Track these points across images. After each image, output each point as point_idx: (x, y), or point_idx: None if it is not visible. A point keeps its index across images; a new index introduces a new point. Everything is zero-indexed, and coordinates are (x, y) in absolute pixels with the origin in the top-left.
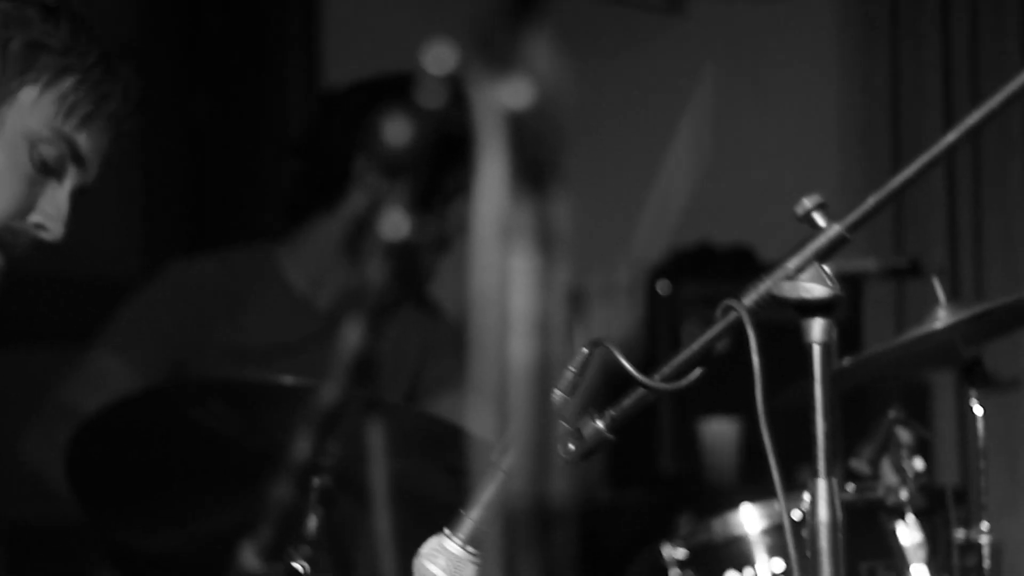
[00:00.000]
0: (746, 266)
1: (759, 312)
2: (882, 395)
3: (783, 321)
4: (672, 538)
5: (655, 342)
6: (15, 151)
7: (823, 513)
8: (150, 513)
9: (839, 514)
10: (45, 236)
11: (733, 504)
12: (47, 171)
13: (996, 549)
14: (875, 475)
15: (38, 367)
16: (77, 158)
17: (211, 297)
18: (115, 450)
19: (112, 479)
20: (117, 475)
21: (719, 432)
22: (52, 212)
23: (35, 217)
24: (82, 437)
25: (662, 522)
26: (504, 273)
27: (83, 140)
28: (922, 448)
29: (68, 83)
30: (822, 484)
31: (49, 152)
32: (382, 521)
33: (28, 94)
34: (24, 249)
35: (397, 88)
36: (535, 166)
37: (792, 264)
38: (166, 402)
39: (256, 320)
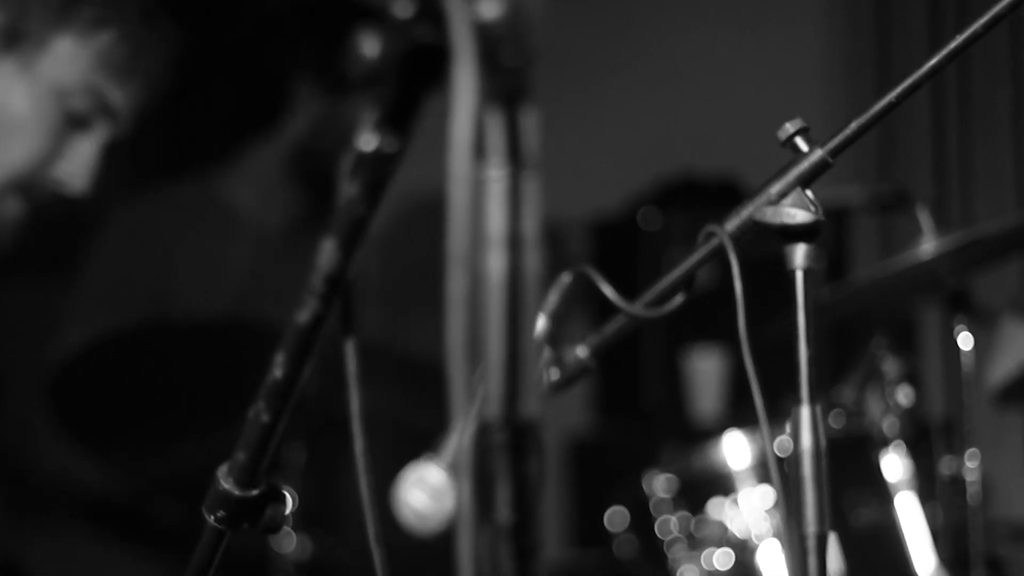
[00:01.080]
0: (731, 196)
1: (742, 239)
2: (868, 328)
3: (769, 255)
4: (656, 467)
5: (638, 273)
6: (45, 101)
7: (806, 440)
8: (135, 443)
9: (822, 441)
10: (69, 188)
11: (718, 433)
12: (76, 124)
13: (983, 481)
14: (860, 406)
15: None
16: (109, 112)
17: (154, 245)
18: (99, 385)
19: (97, 411)
20: (102, 408)
21: (704, 363)
22: (77, 164)
23: (61, 168)
24: (68, 374)
25: (646, 452)
26: (477, 186)
27: (116, 94)
28: (908, 380)
29: (105, 36)
30: (805, 411)
31: (80, 104)
32: (359, 443)
33: (63, 45)
34: (47, 199)
35: (335, 8)
36: (507, 78)
37: (774, 189)
38: (145, 343)
39: (199, 250)
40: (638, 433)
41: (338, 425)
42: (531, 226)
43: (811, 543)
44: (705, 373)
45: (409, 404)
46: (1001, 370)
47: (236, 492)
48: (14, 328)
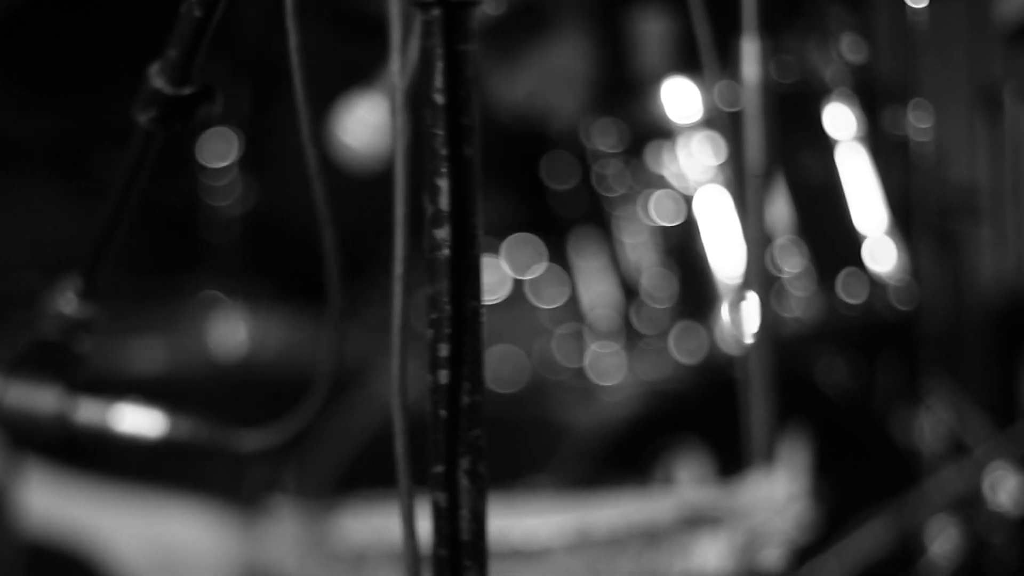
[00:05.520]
0: None
1: None
2: None
3: None
4: (598, 116)
5: None
6: None
7: (750, 74)
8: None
9: (767, 75)
10: None
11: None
12: None
13: (935, 142)
14: (801, 55)
15: None
16: None
17: None
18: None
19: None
20: (46, 52)
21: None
22: None
23: None
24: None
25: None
26: None
27: None
28: (856, 31)
29: None
30: (749, 45)
31: None
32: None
33: None
34: None
35: None
36: None
37: None
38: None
39: None
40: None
41: (283, 70)
42: None
43: (754, 182)
44: (651, 34)
45: (349, 42)
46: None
47: (168, 90)
48: None
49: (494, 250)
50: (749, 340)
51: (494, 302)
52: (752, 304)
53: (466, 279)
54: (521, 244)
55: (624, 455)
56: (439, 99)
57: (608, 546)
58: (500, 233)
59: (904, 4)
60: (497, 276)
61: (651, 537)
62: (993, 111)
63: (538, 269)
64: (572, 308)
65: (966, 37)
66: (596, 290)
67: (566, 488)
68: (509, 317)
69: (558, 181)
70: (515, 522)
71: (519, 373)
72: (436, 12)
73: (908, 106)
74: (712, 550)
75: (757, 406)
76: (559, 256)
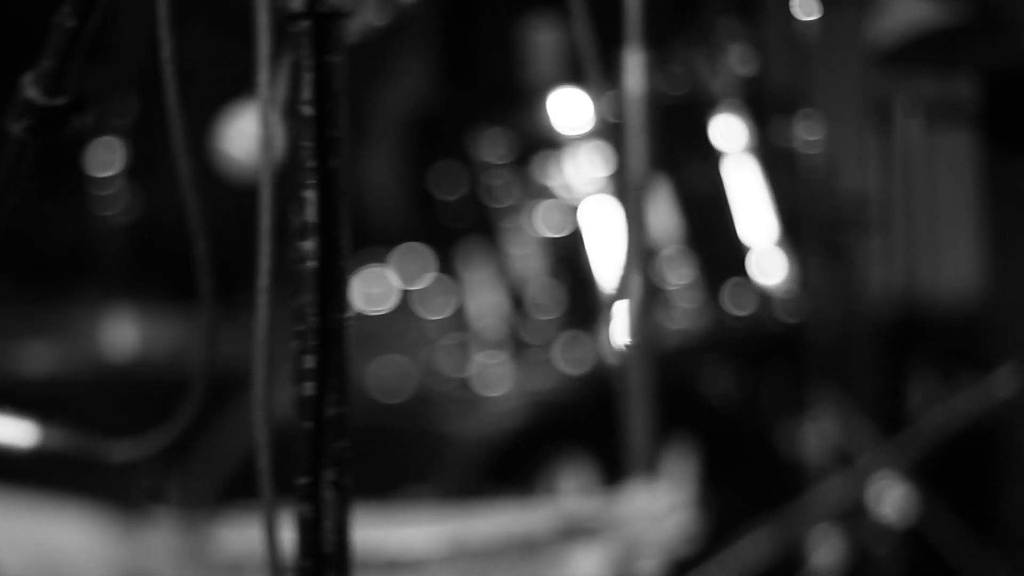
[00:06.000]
0: None
1: None
2: None
3: None
4: (489, 129)
5: None
6: None
7: (633, 86)
8: None
9: (652, 86)
10: None
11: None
12: None
13: (825, 153)
14: (690, 66)
15: None
16: None
17: None
18: None
19: None
20: None
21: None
22: None
23: None
24: None
25: (481, 119)
26: None
27: None
28: (746, 42)
29: None
30: (632, 56)
31: None
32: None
33: None
34: None
35: None
36: None
37: None
38: None
39: None
40: (473, 101)
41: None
42: None
43: (636, 194)
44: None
45: (230, 50)
46: (888, 28)
47: (41, 100)
48: None
49: (382, 260)
50: (627, 350)
51: (381, 312)
52: (629, 314)
53: (332, 291)
54: (409, 254)
55: (508, 466)
56: (307, 111)
57: (484, 557)
58: (388, 243)
59: (794, 15)
60: (384, 286)
61: (527, 548)
62: (883, 122)
63: (426, 280)
64: (459, 319)
65: (857, 48)
66: (483, 301)
67: (446, 499)
68: (396, 327)
69: (446, 191)
70: (391, 532)
71: (404, 383)
72: (305, 24)
73: (798, 117)
74: (588, 561)
75: (637, 416)
76: (447, 267)
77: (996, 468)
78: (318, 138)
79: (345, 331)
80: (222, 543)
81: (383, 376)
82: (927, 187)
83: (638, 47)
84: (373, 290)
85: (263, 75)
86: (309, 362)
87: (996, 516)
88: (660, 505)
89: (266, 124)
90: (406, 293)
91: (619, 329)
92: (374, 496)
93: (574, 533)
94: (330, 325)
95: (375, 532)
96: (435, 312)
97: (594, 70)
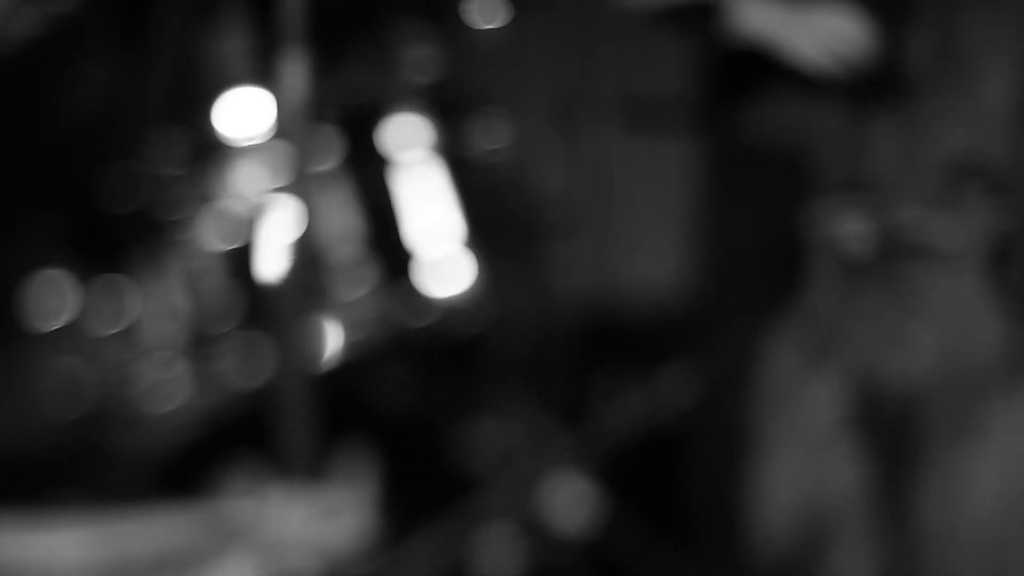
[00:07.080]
0: None
1: None
2: None
3: None
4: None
5: None
6: None
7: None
8: None
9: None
10: None
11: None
12: None
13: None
14: (370, 72)
15: None
16: None
17: None
18: None
19: None
20: None
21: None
22: None
23: None
24: None
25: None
26: None
27: None
28: (430, 47)
29: None
30: (292, 60)
31: None
32: None
33: None
34: None
35: None
36: None
37: None
38: None
39: None
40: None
41: None
42: None
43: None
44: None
45: None
46: None
47: None
48: None
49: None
50: (284, 357)
51: (54, 327)
52: (288, 320)
53: None
54: (80, 267)
55: (178, 479)
56: None
57: (128, 568)
58: (60, 256)
59: (481, 18)
60: (58, 300)
61: (173, 556)
62: (572, 125)
63: (96, 293)
64: (131, 333)
65: (545, 51)
66: (155, 314)
67: (101, 512)
68: (69, 342)
69: (116, 202)
70: (35, 546)
71: (76, 400)
72: None
73: (486, 120)
74: (235, 566)
75: (295, 422)
76: (118, 280)
77: (679, 472)
78: None
79: None
80: None
81: (55, 393)
82: (626, 188)
83: (298, 50)
84: (48, 303)
85: None
86: None
87: (684, 521)
88: (315, 508)
89: None
90: (80, 307)
91: (286, 335)
92: (28, 511)
93: (222, 538)
94: None
95: (18, 547)
96: (108, 327)
97: (267, 73)
